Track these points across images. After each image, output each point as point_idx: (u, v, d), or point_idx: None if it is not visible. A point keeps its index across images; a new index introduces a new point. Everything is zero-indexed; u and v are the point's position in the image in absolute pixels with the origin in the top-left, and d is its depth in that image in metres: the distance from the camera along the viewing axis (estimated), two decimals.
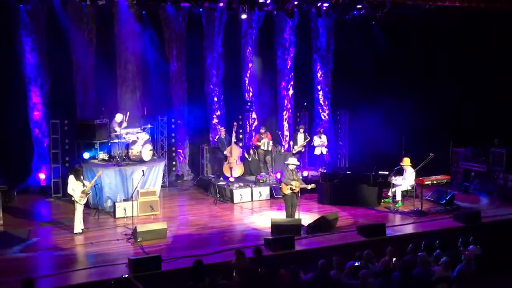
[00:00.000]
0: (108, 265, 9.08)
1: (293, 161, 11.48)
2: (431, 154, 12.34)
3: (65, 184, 13.76)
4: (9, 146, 13.99)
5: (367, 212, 12.64)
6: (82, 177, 11.06)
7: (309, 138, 15.85)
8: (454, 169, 15.18)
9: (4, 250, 9.98)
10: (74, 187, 10.86)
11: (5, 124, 13.92)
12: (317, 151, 16.04)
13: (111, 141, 13.43)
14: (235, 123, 15.00)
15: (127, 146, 13.22)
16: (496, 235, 11.01)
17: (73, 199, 10.97)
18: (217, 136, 15.38)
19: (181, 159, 16.37)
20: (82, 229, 10.95)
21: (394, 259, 8.26)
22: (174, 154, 16.17)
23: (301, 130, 15.91)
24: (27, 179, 14.50)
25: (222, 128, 15.22)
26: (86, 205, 12.79)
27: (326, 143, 16.08)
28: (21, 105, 14.41)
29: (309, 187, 11.61)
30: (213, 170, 15.73)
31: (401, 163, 12.82)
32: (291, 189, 11.18)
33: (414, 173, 12.62)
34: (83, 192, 10.85)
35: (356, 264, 7.77)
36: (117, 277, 7.99)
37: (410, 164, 12.77)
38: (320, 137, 15.97)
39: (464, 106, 16.65)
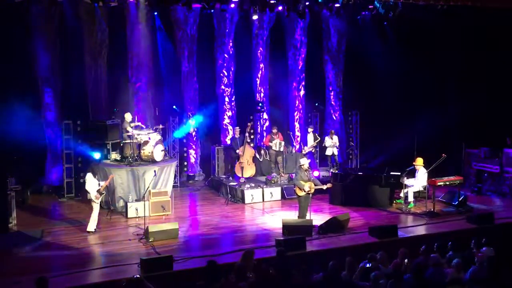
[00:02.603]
0: (120, 265, 9.13)
1: (304, 161, 11.46)
2: (443, 155, 12.25)
3: (77, 184, 14.09)
4: (22, 146, 14.10)
5: (379, 213, 12.58)
6: (97, 177, 11.18)
7: (319, 138, 15.81)
8: (467, 170, 15.05)
9: (18, 249, 10.09)
10: (92, 185, 11.02)
11: (18, 125, 14.03)
12: (328, 152, 16.00)
13: (123, 141, 13.50)
14: (249, 124, 15.02)
15: (139, 146, 13.29)
16: (510, 237, 10.88)
17: (88, 197, 11.09)
18: (231, 136, 15.40)
19: (193, 159, 16.42)
20: (95, 229, 11.03)
21: (406, 260, 8.21)
22: (185, 154, 16.22)
23: (310, 131, 15.87)
24: (40, 179, 14.64)
25: (237, 128, 15.24)
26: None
27: (337, 144, 16.04)
28: (35, 106, 14.53)
29: (325, 187, 11.57)
30: (224, 171, 15.76)
31: (413, 163, 12.75)
32: (304, 190, 11.15)
33: (426, 174, 12.53)
34: (97, 191, 10.97)
35: (368, 265, 7.72)
36: (129, 277, 8.04)
37: (423, 165, 12.68)
38: (331, 138, 15.93)
39: (478, 106, 16.51)
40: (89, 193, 11.11)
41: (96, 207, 11.09)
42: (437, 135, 16.30)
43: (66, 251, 10.00)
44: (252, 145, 15.86)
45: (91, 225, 11.04)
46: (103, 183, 11.27)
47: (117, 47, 15.12)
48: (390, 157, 15.41)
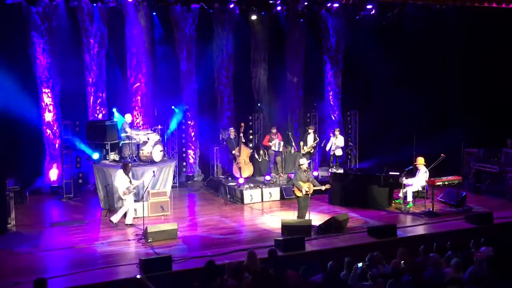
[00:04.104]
0: (119, 266, 9.12)
1: (303, 162, 11.47)
2: (442, 154, 12.25)
3: (75, 184, 14.10)
4: (21, 147, 14.11)
5: (378, 213, 12.58)
6: (130, 174, 11.33)
7: (318, 139, 15.78)
8: (466, 170, 15.04)
9: (17, 250, 10.07)
10: (120, 181, 11.11)
11: (17, 125, 14.05)
12: (331, 151, 15.92)
13: (122, 141, 13.49)
14: (242, 124, 15.03)
15: (138, 146, 13.28)
16: (508, 237, 10.88)
17: (118, 194, 11.24)
18: (226, 137, 15.42)
19: (192, 159, 16.41)
20: (134, 218, 11.40)
21: (403, 261, 8.20)
22: (184, 154, 16.21)
23: (310, 131, 15.82)
24: (39, 180, 14.64)
25: (232, 128, 15.25)
26: (97, 206, 12.94)
27: (342, 144, 15.89)
28: (33, 106, 14.55)
29: (323, 188, 11.55)
30: (223, 171, 15.75)
31: (415, 162, 12.76)
32: (303, 191, 11.14)
33: (427, 173, 12.53)
34: (127, 188, 11.04)
35: (360, 264, 7.63)
36: (128, 277, 8.03)
37: (424, 164, 12.69)
38: (336, 137, 15.83)
39: (476, 106, 16.54)
40: (117, 188, 11.24)
41: (125, 203, 11.29)
42: (436, 135, 16.30)
43: (65, 252, 9.98)
44: (251, 145, 15.85)
45: (129, 219, 11.31)
46: (135, 181, 11.41)
47: (116, 47, 15.13)
48: (389, 157, 15.39)
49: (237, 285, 7.22)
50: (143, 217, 11.27)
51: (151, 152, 13.02)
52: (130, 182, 11.30)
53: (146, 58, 15.35)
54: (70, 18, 14.50)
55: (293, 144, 15.96)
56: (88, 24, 14.64)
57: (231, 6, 15.09)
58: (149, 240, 10.29)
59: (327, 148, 15.93)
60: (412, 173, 12.85)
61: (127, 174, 11.29)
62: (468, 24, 15.99)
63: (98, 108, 15.10)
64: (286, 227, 10.75)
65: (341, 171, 14.37)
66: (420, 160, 12.73)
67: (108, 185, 12.46)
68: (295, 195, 11.41)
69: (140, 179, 11.76)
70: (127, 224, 11.38)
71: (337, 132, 15.85)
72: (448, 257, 8.24)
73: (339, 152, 15.84)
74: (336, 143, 15.72)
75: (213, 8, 15.20)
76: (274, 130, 15.40)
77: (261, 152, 15.79)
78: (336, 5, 15.43)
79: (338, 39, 17.62)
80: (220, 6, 15.10)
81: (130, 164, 11.60)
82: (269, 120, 17.00)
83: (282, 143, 15.30)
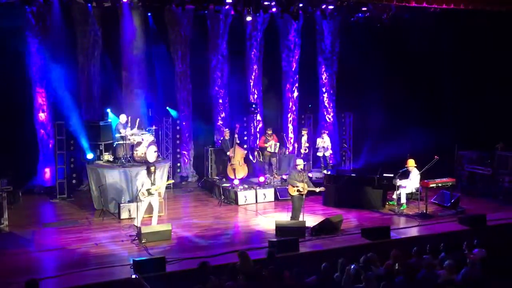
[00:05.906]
0: (112, 266, 9.09)
1: (299, 162, 11.52)
2: (436, 156, 12.30)
3: (69, 185, 14.04)
4: (14, 147, 14.05)
5: (372, 215, 12.61)
6: (153, 175, 11.11)
7: (307, 137, 15.87)
8: (459, 172, 15.10)
9: (9, 250, 10.03)
10: (143, 182, 11.01)
11: (11, 125, 13.98)
12: (319, 153, 16.03)
13: (116, 142, 13.45)
14: (237, 125, 15.03)
15: (132, 147, 13.24)
16: (501, 239, 10.93)
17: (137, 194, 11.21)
18: (221, 138, 15.41)
19: (186, 160, 16.39)
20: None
21: (397, 263, 8.21)
22: (178, 155, 16.19)
23: (304, 133, 15.89)
24: (32, 180, 14.57)
25: (227, 129, 15.25)
26: (91, 206, 12.90)
27: (328, 145, 16.00)
28: (27, 107, 14.49)
29: (317, 190, 11.58)
30: (218, 172, 15.73)
31: (406, 165, 12.80)
32: (298, 190, 11.17)
33: (419, 175, 12.59)
34: (147, 190, 10.93)
35: (353, 267, 7.65)
36: (121, 278, 8.00)
37: (415, 166, 12.74)
38: (323, 139, 15.93)
39: (470, 108, 16.61)
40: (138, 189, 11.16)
41: (141, 204, 11.06)
42: (430, 137, 16.36)
43: (58, 252, 9.94)
44: (245, 146, 15.85)
45: (137, 221, 11.06)
46: (158, 184, 11.24)
47: (110, 48, 15.09)
48: (383, 159, 15.44)
49: (233, 286, 7.22)
50: (137, 218, 11.24)
51: (145, 153, 12.99)
52: (152, 184, 11.10)
53: (141, 58, 15.29)
54: (64, 18, 14.42)
55: (288, 145, 16.00)
56: (83, 24, 14.58)
57: (226, 7, 15.07)
58: (143, 241, 10.26)
59: (318, 151, 16.04)
60: (406, 175, 12.89)
61: (150, 176, 11.12)
62: (463, 25, 16.06)
63: (92, 108, 15.03)
64: (280, 228, 10.77)
65: (328, 172, 14.43)
66: (411, 162, 12.79)
67: (101, 186, 12.42)
68: (289, 194, 11.45)
69: (161, 182, 11.60)
70: (135, 226, 11.16)
71: (323, 134, 15.99)
72: (441, 258, 8.27)
73: (327, 153, 15.95)
74: (324, 144, 15.83)
75: (207, 9, 15.18)
76: (269, 131, 15.42)
77: (256, 153, 15.79)
78: (330, 7, 15.45)
79: (333, 40, 17.65)
80: (215, 7, 15.08)
81: (153, 167, 11.41)
82: (263, 121, 17.01)
83: (278, 144, 15.32)
